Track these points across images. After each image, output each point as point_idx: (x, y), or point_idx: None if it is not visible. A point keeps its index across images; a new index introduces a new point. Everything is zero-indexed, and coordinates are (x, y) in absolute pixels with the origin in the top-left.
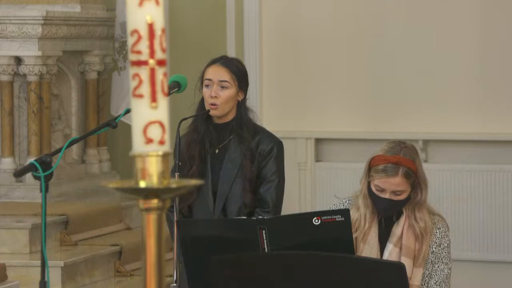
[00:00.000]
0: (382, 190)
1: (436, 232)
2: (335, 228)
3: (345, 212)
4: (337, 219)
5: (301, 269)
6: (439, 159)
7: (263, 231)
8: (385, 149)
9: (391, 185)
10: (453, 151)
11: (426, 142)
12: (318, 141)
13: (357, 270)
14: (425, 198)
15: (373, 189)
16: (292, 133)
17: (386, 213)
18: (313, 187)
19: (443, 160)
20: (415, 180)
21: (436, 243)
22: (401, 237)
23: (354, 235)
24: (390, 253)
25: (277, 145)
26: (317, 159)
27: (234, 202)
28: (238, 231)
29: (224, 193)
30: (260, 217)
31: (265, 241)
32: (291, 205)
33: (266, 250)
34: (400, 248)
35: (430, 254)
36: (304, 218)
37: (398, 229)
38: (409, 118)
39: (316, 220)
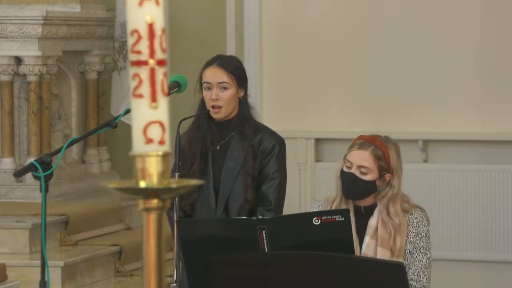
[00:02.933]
0: (350, 166)
1: (413, 222)
2: (335, 228)
3: (345, 212)
4: (337, 219)
5: (301, 269)
6: (439, 159)
7: (263, 231)
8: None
9: (358, 158)
10: (453, 151)
11: (426, 142)
12: (318, 141)
13: (357, 270)
14: (397, 191)
15: (344, 167)
16: (292, 133)
17: (348, 190)
18: (313, 187)
19: (443, 160)
20: (385, 167)
21: (414, 233)
22: (377, 228)
23: None
24: (368, 246)
25: (279, 143)
26: (317, 159)
27: (236, 199)
28: (238, 231)
29: (226, 191)
30: (260, 216)
31: (265, 241)
32: (291, 205)
33: (266, 250)
34: (377, 239)
35: (408, 244)
36: (304, 218)
37: (373, 221)
38: (409, 118)
39: (316, 220)
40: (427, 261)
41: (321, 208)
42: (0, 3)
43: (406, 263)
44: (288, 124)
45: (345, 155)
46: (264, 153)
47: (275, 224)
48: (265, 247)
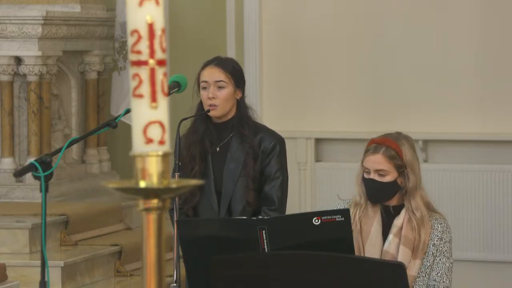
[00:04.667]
0: (369, 172)
1: (438, 227)
2: (335, 228)
3: (345, 212)
4: (337, 219)
5: (301, 269)
6: (439, 159)
7: (263, 231)
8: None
9: (373, 163)
10: (453, 151)
11: (426, 142)
12: (318, 141)
13: (357, 270)
14: (415, 184)
15: (364, 174)
16: (292, 133)
17: (372, 195)
18: (313, 187)
19: (443, 160)
20: (401, 164)
21: (438, 236)
22: (401, 228)
23: (353, 220)
24: (390, 243)
25: (279, 142)
26: (317, 159)
27: (238, 201)
28: (238, 231)
29: (229, 192)
30: (261, 216)
31: (265, 241)
32: (291, 205)
33: (266, 250)
34: (400, 238)
35: (431, 246)
36: (304, 218)
37: (399, 220)
38: (409, 118)
39: (316, 220)
40: (450, 265)
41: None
42: (0, 3)
43: (428, 264)
44: (288, 124)
45: (362, 161)
46: (265, 153)
47: (275, 224)
48: (265, 247)
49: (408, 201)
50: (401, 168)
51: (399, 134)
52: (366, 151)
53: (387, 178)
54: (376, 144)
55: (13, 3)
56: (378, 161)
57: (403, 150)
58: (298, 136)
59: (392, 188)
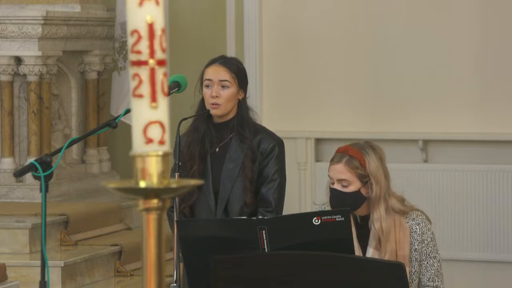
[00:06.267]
0: (333, 182)
1: (416, 229)
2: (335, 228)
3: (345, 212)
4: (337, 219)
5: (301, 269)
6: (439, 159)
7: (263, 231)
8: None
9: (336, 173)
10: (453, 151)
11: (426, 142)
12: (318, 141)
13: (357, 270)
14: (378, 195)
15: (330, 183)
16: (292, 133)
17: (335, 205)
18: (313, 187)
19: (443, 160)
20: (365, 174)
21: (418, 240)
22: (380, 240)
23: None
24: (372, 257)
25: (278, 144)
26: (317, 159)
27: (236, 201)
28: (238, 231)
29: (226, 193)
30: (260, 217)
31: (265, 241)
32: (291, 205)
33: (266, 250)
34: (381, 251)
35: (413, 251)
36: (304, 218)
37: (375, 233)
38: (409, 118)
39: (316, 220)
40: (439, 264)
41: None
42: (0, 3)
43: (414, 270)
44: (288, 124)
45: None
46: (263, 155)
47: (275, 224)
48: (265, 247)
49: (371, 212)
50: (364, 178)
51: (366, 143)
52: (331, 160)
53: (350, 188)
54: (341, 153)
55: (13, 3)
56: (340, 171)
57: (367, 160)
58: (298, 136)
59: (356, 198)
